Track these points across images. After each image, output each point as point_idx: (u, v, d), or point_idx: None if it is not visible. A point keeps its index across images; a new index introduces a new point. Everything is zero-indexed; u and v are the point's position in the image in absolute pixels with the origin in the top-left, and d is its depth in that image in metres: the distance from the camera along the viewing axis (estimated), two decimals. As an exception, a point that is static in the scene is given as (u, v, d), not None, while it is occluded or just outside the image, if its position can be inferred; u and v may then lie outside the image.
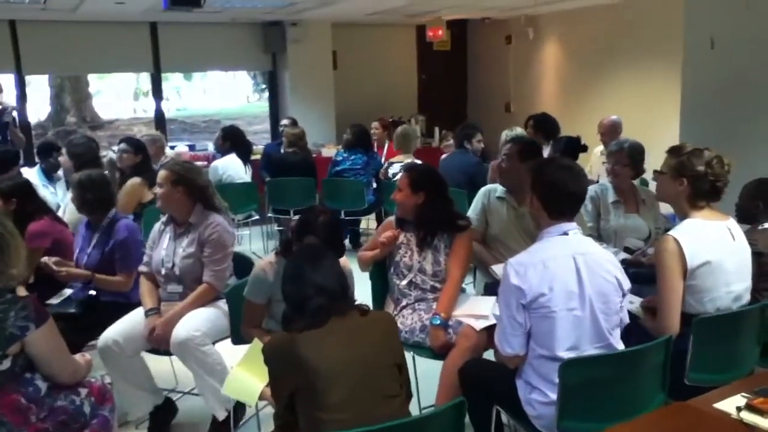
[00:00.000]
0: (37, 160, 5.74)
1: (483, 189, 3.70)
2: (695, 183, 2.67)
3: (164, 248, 3.37)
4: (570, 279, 2.30)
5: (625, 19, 7.57)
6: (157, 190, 3.39)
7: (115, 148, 5.36)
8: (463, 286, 3.29)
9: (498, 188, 3.61)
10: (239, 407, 3.31)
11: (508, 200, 3.54)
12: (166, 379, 3.71)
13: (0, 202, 3.72)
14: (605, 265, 2.39)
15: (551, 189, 2.40)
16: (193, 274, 3.32)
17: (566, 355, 2.26)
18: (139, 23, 8.21)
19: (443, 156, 6.17)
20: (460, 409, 2.05)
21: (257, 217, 6.47)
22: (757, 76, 3.87)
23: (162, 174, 3.36)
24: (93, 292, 3.54)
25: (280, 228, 6.83)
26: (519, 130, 5.17)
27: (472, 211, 3.60)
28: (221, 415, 3.18)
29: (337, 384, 2.02)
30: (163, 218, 3.50)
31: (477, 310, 3.06)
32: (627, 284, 2.41)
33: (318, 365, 2.01)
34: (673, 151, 2.80)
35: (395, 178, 6.05)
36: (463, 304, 3.15)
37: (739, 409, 1.97)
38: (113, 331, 3.17)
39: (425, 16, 9.00)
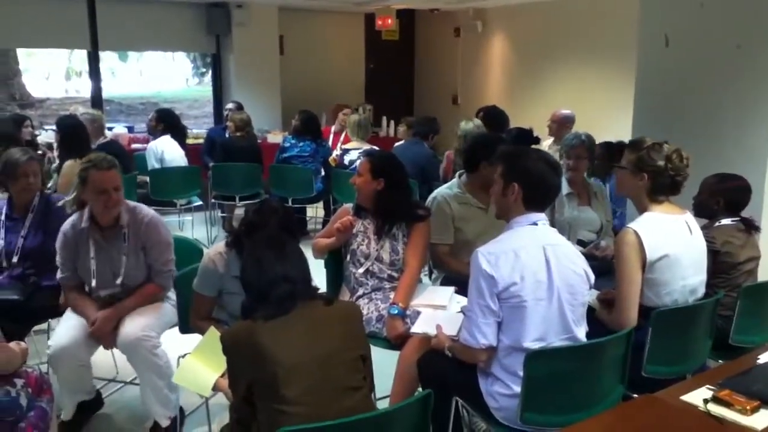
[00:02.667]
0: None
1: (438, 201, 3.42)
2: (655, 177, 2.69)
3: (93, 257, 3.02)
4: (540, 269, 2.28)
5: (576, 15, 7.66)
6: (94, 195, 2.95)
7: (47, 128, 5.11)
8: (420, 276, 3.24)
9: (451, 192, 3.44)
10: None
11: (471, 202, 3.41)
12: (105, 369, 3.55)
13: None
14: (573, 257, 2.38)
15: (532, 179, 2.35)
16: (137, 279, 3.09)
17: (533, 345, 2.24)
18: (76, -3, 7.83)
19: (396, 144, 6.13)
20: (427, 402, 2.00)
21: (200, 202, 6.26)
22: (711, 74, 3.94)
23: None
24: (33, 278, 3.30)
25: (224, 215, 6.65)
26: (477, 122, 5.14)
27: (439, 231, 3.33)
28: (164, 422, 3.03)
29: (297, 375, 1.94)
30: (76, 222, 3.05)
31: (434, 300, 3.03)
32: (592, 277, 2.41)
33: (280, 356, 1.93)
34: (633, 146, 2.81)
35: (353, 165, 5.98)
36: (420, 293, 3.10)
37: (706, 401, 1.99)
38: (63, 338, 2.91)
39: (374, 5, 8.92)
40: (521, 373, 2.23)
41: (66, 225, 3.09)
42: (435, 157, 5.63)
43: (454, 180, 3.56)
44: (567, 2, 7.75)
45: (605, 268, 3.05)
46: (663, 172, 2.67)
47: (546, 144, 5.86)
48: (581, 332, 2.36)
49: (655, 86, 4.25)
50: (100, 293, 3.06)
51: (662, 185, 2.69)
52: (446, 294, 3.07)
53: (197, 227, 6.49)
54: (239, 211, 6.56)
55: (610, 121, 6.35)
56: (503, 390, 2.31)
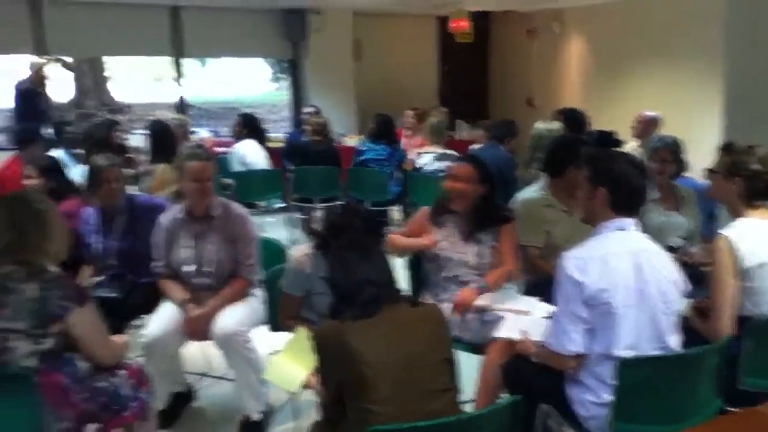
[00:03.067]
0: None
1: (526, 203, 3.40)
2: (749, 182, 2.62)
3: (186, 246, 3.22)
4: (629, 276, 2.22)
5: (657, 14, 7.42)
6: (191, 184, 3.17)
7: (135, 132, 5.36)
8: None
9: (537, 195, 3.41)
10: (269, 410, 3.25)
11: (556, 206, 3.36)
12: (197, 364, 3.69)
13: (36, 180, 3.68)
14: (666, 264, 2.32)
15: (619, 182, 2.30)
16: (225, 270, 3.23)
17: (624, 353, 2.19)
18: (161, 6, 8.15)
19: (471, 147, 6.10)
20: (516, 408, 2.00)
21: (281, 204, 6.41)
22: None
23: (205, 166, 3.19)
24: (130, 276, 3.47)
25: (303, 217, 6.77)
26: (557, 125, 5.05)
27: (530, 234, 3.29)
28: (255, 416, 3.14)
29: (387, 377, 1.96)
30: (174, 212, 3.30)
31: (518, 305, 3.00)
32: (687, 285, 2.34)
33: (367, 356, 1.96)
34: (726, 150, 2.74)
35: (424, 168, 6.00)
36: (504, 299, 3.08)
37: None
38: (156, 328, 3.05)
39: (449, 7, 8.91)
40: (611, 382, 2.20)
41: (164, 216, 3.30)
42: (512, 161, 5.58)
43: (539, 183, 3.52)
44: (648, 1, 7.52)
45: (698, 275, 2.96)
46: (757, 176, 2.59)
47: (629, 147, 5.72)
48: (674, 341, 2.30)
49: (745, 87, 4.10)
50: (192, 282, 3.21)
51: (756, 190, 2.61)
52: (530, 301, 3.04)
53: (277, 229, 6.64)
54: (318, 214, 6.69)
55: (694, 123, 6.13)
56: (593, 398, 2.27)
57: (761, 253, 2.52)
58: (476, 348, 2.95)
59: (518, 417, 2.04)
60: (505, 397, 2.60)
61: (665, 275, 2.28)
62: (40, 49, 7.56)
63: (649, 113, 5.71)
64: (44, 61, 6.97)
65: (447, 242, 3.17)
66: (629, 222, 2.33)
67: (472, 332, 3.00)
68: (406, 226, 3.32)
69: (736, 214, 2.67)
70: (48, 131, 6.23)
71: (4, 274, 2.27)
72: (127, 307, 3.31)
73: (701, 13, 6.66)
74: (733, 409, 2.36)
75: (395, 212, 6.81)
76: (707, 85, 6.14)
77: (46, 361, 2.29)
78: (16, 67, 7.80)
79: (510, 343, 2.79)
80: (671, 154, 3.71)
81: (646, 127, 5.61)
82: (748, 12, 4.06)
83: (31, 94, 6.73)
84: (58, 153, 5.39)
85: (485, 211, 3.15)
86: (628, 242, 2.29)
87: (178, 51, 8.43)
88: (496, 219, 3.18)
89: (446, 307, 3.06)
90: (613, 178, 2.30)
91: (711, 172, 2.78)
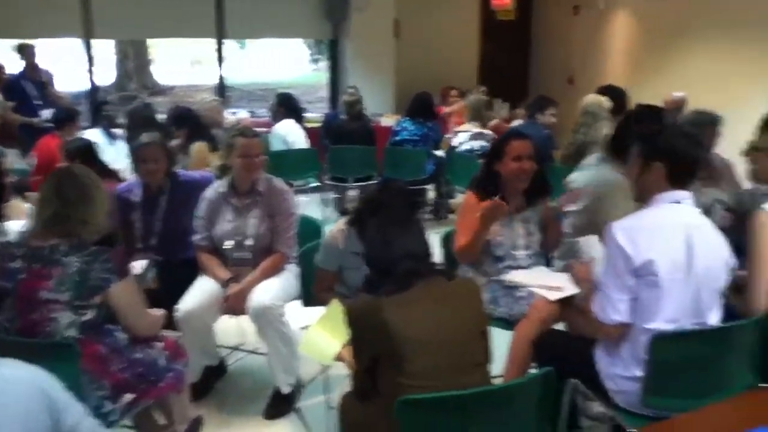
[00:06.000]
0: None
1: (620, 192, 3.01)
2: None
3: (228, 221, 3.30)
4: (679, 249, 2.18)
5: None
6: (239, 159, 3.25)
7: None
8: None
9: (620, 178, 3.09)
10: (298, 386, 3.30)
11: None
12: (231, 336, 3.77)
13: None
14: (716, 240, 2.28)
15: (677, 155, 2.25)
16: (265, 244, 3.30)
17: (664, 327, 2.16)
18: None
19: (512, 124, 6.05)
20: (548, 379, 2.00)
21: (317, 183, 6.45)
22: None
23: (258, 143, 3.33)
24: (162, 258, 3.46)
25: (337, 196, 6.82)
26: (604, 101, 4.93)
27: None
28: (286, 389, 3.20)
29: (421, 351, 1.98)
30: (218, 187, 3.38)
31: (550, 282, 2.98)
32: (734, 262, 2.31)
33: (403, 331, 1.97)
34: None
35: (460, 147, 5.97)
36: (536, 275, 3.06)
37: None
38: (192, 302, 3.11)
39: (491, -15, 8.79)
40: (644, 356, 2.18)
41: (208, 190, 3.39)
42: (551, 138, 5.51)
43: (599, 163, 3.32)
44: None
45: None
46: None
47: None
48: (714, 318, 2.26)
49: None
50: (231, 255, 3.29)
51: None
52: (562, 278, 3.00)
53: (312, 208, 6.69)
54: (352, 193, 6.72)
55: (752, 104, 5.92)
56: (624, 372, 2.26)
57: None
58: (507, 323, 2.94)
59: (548, 389, 2.04)
60: (534, 371, 2.60)
61: (715, 252, 2.25)
62: (87, 32, 7.74)
63: (677, 94, 5.61)
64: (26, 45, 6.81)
65: (496, 224, 3.06)
66: (685, 195, 2.28)
67: (504, 308, 2.99)
68: (460, 218, 3.17)
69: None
70: (46, 114, 6.16)
71: (50, 247, 2.36)
72: (166, 290, 3.24)
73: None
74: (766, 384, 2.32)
75: (430, 191, 6.81)
76: (764, 62, 5.92)
77: (87, 332, 2.37)
78: (65, 50, 7.92)
79: (540, 319, 2.80)
80: (713, 129, 3.62)
81: (674, 108, 5.50)
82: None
83: (13, 86, 6.54)
84: (94, 133, 5.51)
85: (536, 188, 3.11)
86: (682, 215, 2.25)
87: (220, 33, 8.52)
88: (542, 194, 3.15)
89: (496, 288, 3.03)
90: (670, 151, 2.26)
91: (754, 151, 2.70)
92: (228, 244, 3.29)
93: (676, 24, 7.66)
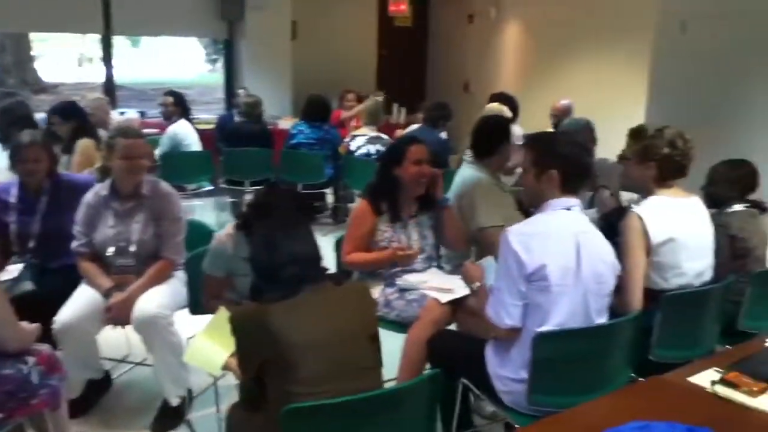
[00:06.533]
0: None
1: (481, 188, 3.26)
2: (662, 165, 2.70)
3: (110, 226, 3.12)
4: (569, 256, 2.24)
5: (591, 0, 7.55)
6: (120, 161, 3.09)
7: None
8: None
9: (482, 175, 3.32)
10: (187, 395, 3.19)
11: (499, 185, 3.39)
12: (117, 347, 3.58)
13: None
14: (604, 246, 2.36)
15: (570, 162, 2.32)
16: (150, 249, 3.15)
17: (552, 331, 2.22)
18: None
19: (408, 129, 6.11)
20: (435, 381, 2.01)
21: (210, 187, 6.26)
22: (727, 61, 3.91)
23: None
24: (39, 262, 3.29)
25: (233, 200, 6.65)
26: (503, 108, 5.09)
27: (492, 214, 3.17)
28: (175, 401, 3.07)
29: (310, 357, 1.94)
30: (98, 190, 3.20)
31: (442, 284, 3.02)
32: (619, 267, 2.41)
33: (290, 337, 1.92)
34: (636, 135, 2.82)
35: (357, 151, 5.97)
36: (429, 277, 3.10)
37: (713, 383, 1.99)
38: (70, 313, 2.93)
39: (388, -10, 8.88)
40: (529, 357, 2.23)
41: (88, 194, 3.19)
42: (447, 142, 5.61)
43: (472, 165, 3.43)
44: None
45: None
46: (669, 159, 2.67)
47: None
48: (601, 322, 2.34)
49: (669, 72, 4.23)
50: (114, 262, 3.12)
51: (669, 171, 2.71)
52: (455, 279, 3.04)
53: (206, 212, 6.50)
54: (249, 197, 6.57)
55: (626, 108, 6.28)
56: (512, 375, 2.31)
57: (669, 230, 2.62)
58: (401, 326, 2.96)
59: (438, 390, 2.05)
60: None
61: (601, 257, 2.32)
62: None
63: (564, 102, 5.92)
64: None
65: (390, 230, 3.11)
66: (575, 202, 2.35)
67: (397, 310, 3.00)
68: (351, 227, 3.16)
69: (648, 194, 2.75)
70: None
71: None
72: (44, 298, 3.07)
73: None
74: (641, 378, 2.44)
75: (328, 195, 6.78)
76: (634, 71, 6.29)
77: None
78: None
79: (433, 321, 2.83)
80: (591, 133, 3.81)
81: (562, 115, 5.79)
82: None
83: None
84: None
85: (429, 193, 3.14)
86: (571, 222, 2.32)
87: (107, 28, 8.13)
88: (434, 199, 3.17)
89: (389, 292, 3.05)
90: (563, 159, 2.32)
91: (624, 159, 2.84)
92: (110, 250, 3.11)
93: (562, 34, 8.03)
